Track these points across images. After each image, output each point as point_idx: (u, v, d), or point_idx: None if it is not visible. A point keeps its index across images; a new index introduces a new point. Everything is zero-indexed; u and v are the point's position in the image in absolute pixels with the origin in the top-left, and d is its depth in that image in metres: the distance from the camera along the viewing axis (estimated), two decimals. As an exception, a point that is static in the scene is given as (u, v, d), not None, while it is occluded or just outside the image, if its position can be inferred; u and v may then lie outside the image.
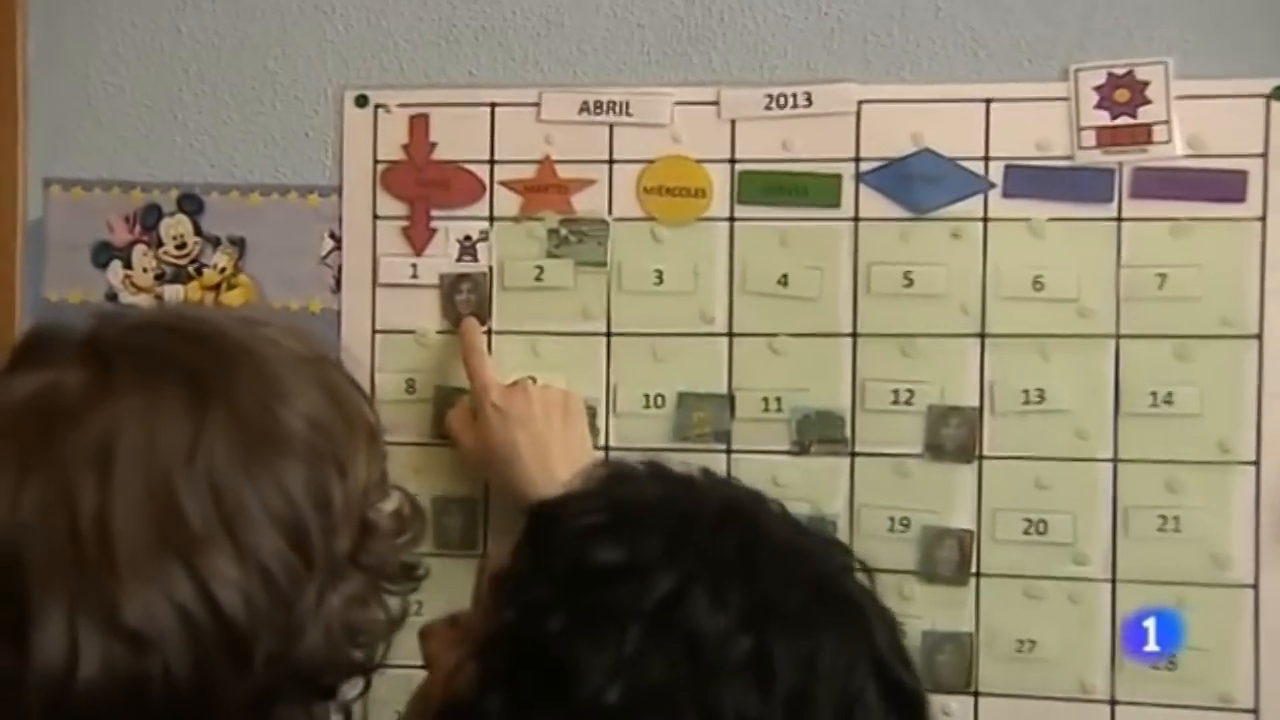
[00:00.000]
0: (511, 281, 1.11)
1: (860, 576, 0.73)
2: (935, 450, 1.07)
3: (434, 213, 1.12)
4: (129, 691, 0.63)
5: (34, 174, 1.17)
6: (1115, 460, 1.06)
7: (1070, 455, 1.06)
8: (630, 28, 1.10)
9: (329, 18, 1.13)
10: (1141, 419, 1.06)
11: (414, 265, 1.12)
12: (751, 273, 1.09)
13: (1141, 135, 1.05)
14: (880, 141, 1.08)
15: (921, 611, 1.06)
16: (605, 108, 1.10)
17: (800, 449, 1.09)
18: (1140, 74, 1.05)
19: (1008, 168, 1.07)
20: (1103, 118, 1.05)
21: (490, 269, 1.11)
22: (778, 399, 1.09)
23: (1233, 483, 1.05)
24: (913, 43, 1.08)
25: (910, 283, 1.07)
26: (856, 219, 1.08)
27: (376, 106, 1.12)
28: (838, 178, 1.08)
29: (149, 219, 1.16)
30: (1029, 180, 1.06)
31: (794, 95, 1.08)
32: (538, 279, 1.11)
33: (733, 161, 1.09)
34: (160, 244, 1.16)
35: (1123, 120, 1.05)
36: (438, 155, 1.12)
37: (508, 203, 1.11)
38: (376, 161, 1.13)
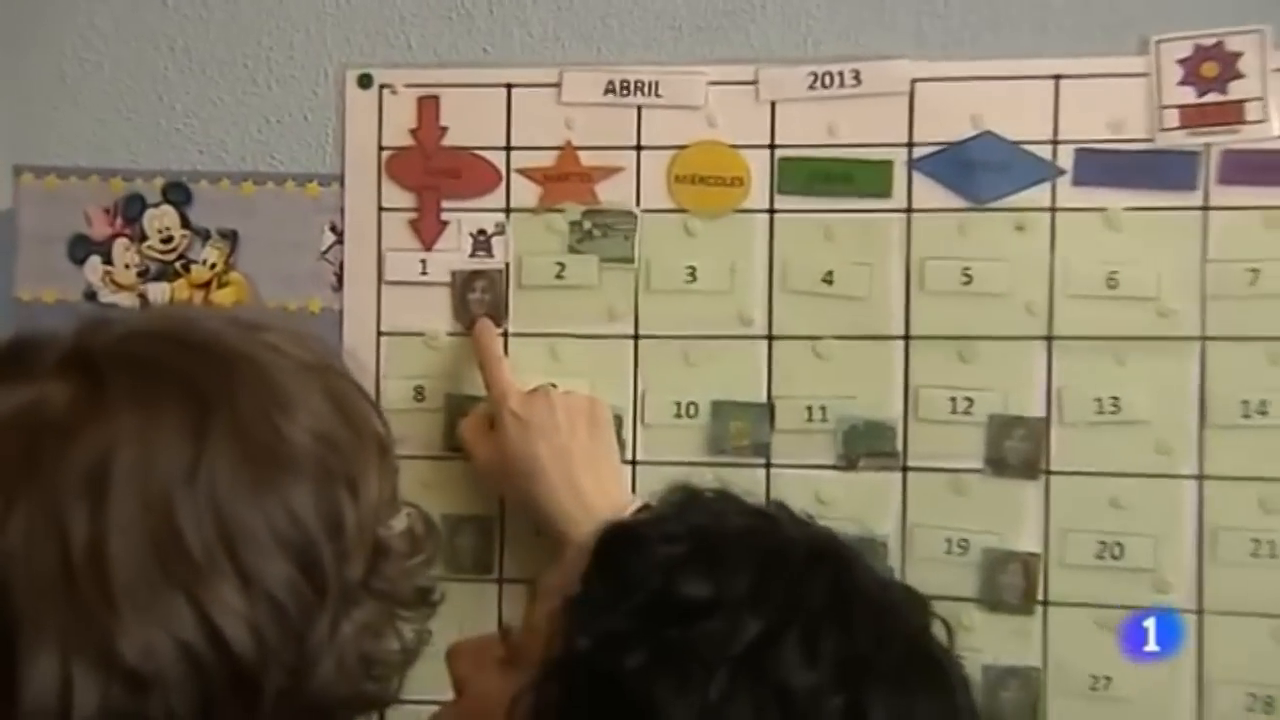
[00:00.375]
0: (530, 279, 1.09)
1: (938, 632, 0.75)
2: (997, 465, 1.05)
3: (445, 204, 1.10)
4: None
5: (3, 161, 1.15)
6: (1200, 477, 1.03)
7: (1149, 471, 1.04)
8: (660, 0, 1.08)
9: (330, -11, 1.13)
10: (1231, 431, 1.03)
11: (423, 261, 1.10)
12: (793, 269, 1.07)
13: (1232, 114, 1.03)
14: (936, 124, 1.06)
15: (983, 644, 1.04)
16: (632, 88, 1.08)
17: (847, 463, 1.06)
18: (1231, 44, 1.02)
19: (1078, 152, 1.04)
20: (1188, 95, 1.03)
21: (506, 265, 1.09)
22: (822, 408, 1.07)
23: (1335, 501, 1.04)
24: (972, 13, 1.06)
25: (969, 280, 1.05)
26: (909, 210, 1.06)
27: (382, 87, 1.10)
28: (888, 165, 1.06)
29: (131, 210, 1.14)
30: (1103, 166, 1.04)
31: (840, 74, 1.06)
32: (558, 276, 1.09)
33: (772, 147, 1.07)
34: (144, 238, 1.14)
35: (1211, 97, 1.03)
36: (449, 141, 1.10)
37: (526, 193, 1.09)
38: (381, 148, 1.10)
